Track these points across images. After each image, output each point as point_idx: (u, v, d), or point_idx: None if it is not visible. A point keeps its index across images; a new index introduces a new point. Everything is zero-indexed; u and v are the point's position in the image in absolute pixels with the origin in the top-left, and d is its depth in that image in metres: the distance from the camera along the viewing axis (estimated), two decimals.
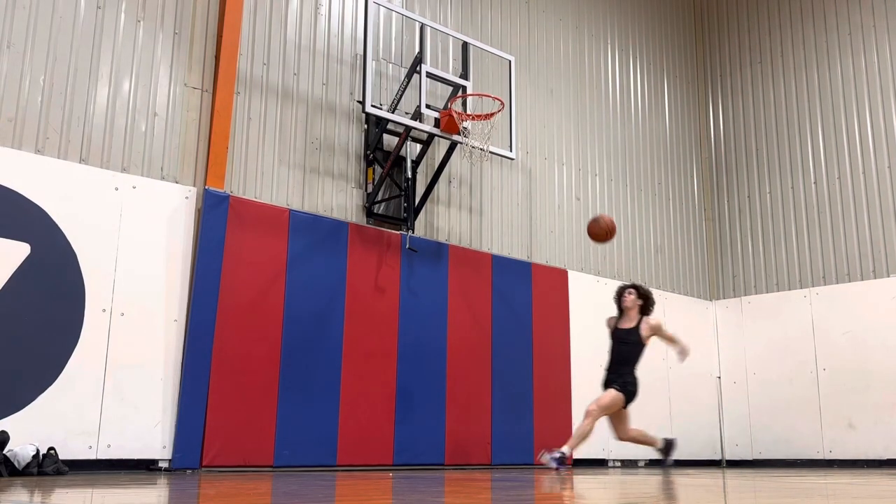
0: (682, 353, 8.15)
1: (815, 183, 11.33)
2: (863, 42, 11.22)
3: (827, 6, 11.66)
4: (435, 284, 8.61)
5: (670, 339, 8.20)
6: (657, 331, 8.05)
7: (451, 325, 8.63)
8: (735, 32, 12.63)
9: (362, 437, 7.73)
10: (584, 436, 7.60)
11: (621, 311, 8.18)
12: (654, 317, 8.17)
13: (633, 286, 8.22)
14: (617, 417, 7.94)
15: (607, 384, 7.87)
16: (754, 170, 12.02)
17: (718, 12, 12.90)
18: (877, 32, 11.12)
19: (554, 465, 7.38)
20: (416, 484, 4.92)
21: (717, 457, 11.40)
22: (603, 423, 7.93)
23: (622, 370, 7.85)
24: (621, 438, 8.09)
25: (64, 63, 6.67)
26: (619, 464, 9.97)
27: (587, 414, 7.65)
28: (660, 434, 8.49)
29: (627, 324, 8.08)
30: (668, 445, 8.31)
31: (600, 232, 7.79)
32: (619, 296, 8.20)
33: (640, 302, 8.09)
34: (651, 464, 9.85)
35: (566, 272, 10.04)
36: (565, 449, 7.52)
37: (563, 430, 9.42)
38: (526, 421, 9.11)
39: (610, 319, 8.26)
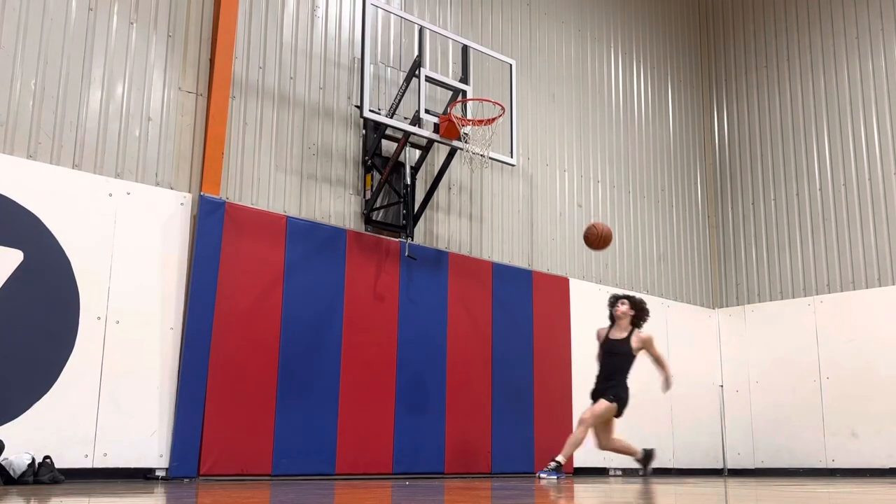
0: (666, 382, 8.12)
1: (820, 190, 11.24)
2: (870, 46, 11.11)
3: (834, 9, 11.56)
4: (434, 292, 8.53)
5: (658, 360, 8.13)
6: (647, 345, 8.02)
7: (450, 334, 8.55)
8: (740, 36, 12.54)
9: (361, 445, 7.67)
10: (578, 444, 7.76)
11: (613, 320, 8.16)
12: (647, 331, 8.13)
13: (628, 297, 8.19)
14: (603, 427, 7.97)
15: (599, 394, 7.87)
16: (759, 176, 11.93)
17: (724, 16, 12.81)
18: (885, 36, 11.01)
19: (554, 477, 7.39)
20: (415, 492, 4.86)
21: (719, 465, 11.30)
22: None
23: (613, 380, 7.85)
24: (604, 447, 8.15)
25: (56, 66, 6.60)
26: (619, 472, 9.86)
27: (581, 422, 7.78)
28: (640, 445, 8.47)
29: (618, 334, 8.06)
30: (648, 456, 8.28)
31: (594, 238, 7.87)
32: (613, 305, 8.19)
33: (632, 313, 8.06)
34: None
35: (567, 280, 9.96)
36: (560, 458, 7.59)
37: (563, 440, 9.33)
38: (526, 429, 9.03)
39: (601, 330, 8.25)
